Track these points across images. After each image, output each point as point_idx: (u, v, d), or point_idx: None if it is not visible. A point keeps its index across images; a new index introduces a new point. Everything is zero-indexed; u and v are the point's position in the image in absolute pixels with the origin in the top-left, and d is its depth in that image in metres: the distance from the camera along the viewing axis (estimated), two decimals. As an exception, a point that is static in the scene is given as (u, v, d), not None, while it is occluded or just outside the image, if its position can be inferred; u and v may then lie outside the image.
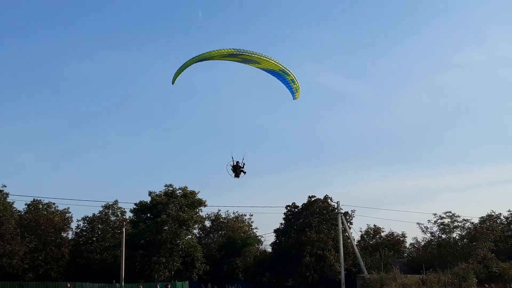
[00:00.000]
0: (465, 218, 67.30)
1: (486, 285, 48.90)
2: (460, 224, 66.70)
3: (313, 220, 68.20)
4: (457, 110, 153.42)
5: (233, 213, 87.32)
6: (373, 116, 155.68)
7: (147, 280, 62.27)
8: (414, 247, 76.72)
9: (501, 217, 75.33)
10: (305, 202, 70.48)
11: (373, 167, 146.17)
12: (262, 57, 28.59)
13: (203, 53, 27.79)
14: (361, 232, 76.50)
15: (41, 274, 66.07)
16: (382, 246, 71.17)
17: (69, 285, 57.36)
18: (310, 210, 69.20)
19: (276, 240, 71.62)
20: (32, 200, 71.00)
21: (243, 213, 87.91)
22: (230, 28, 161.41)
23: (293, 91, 31.77)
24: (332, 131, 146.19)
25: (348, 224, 66.78)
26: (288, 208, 71.32)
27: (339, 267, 60.86)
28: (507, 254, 64.56)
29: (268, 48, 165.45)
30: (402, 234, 76.86)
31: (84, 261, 69.57)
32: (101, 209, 73.03)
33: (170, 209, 66.82)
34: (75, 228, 73.56)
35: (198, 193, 69.65)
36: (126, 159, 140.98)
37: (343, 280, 58.72)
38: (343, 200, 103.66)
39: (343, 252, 60.30)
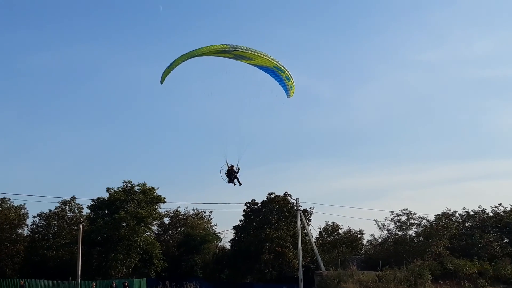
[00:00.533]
0: (421, 216, 68.37)
1: (441, 282, 49.66)
2: (416, 221, 67.69)
3: (272, 217, 68.32)
4: (416, 109, 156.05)
5: (193, 210, 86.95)
6: (333, 114, 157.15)
7: (104, 277, 61.54)
8: (371, 244, 77.62)
9: (456, 214, 76.96)
10: (265, 199, 70.58)
11: (333, 164, 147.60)
12: (256, 53, 27.84)
13: (194, 50, 26.68)
14: (320, 229, 77.05)
15: (-5, 271, 64.72)
16: (340, 243, 71.66)
17: (22, 282, 56.32)
18: (270, 207, 69.29)
19: (235, 237, 71.51)
20: (-15, 196, 69.64)
21: (202, 210, 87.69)
22: (188, 24, 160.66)
23: (287, 89, 30.88)
24: (292, 128, 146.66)
25: (307, 221, 67.02)
26: (248, 205, 71.23)
27: (298, 264, 61.10)
28: (462, 251, 65.69)
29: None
30: (360, 231, 77.83)
31: (39, 258, 68.25)
32: (58, 205, 72.07)
33: (129, 205, 66.24)
34: (31, 225, 72.47)
35: (157, 189, 69.35)
36: (83, 154, 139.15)
37: (301, 277, 58.94)
38: (302, 197, 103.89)
39: (302, 249, 60.51)
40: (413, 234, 68.03)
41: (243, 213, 71.36)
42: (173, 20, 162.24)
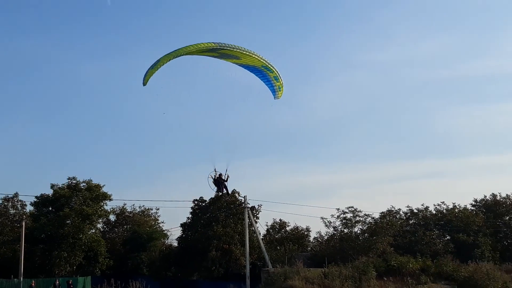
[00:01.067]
0: (367, 213, 69.27)
1: (385, 278, 50.18)
2: (361, 219, 68.35)
3: (220, 214, 68.21)
4: (363, 109, 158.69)
5: (139, 207, 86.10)
6: (281, 112, 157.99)
7: (48, 275, 60.48)
8: (317, 241, 78.22)
9: (401, 212, 78.53)
10: (213, 196, 70.29)
11: (281, 162, 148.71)
12: (244, 52, 26.83)
13: (180, 49, 25.45)
14: (267, 226, 77.28)
15: None
16: (287, 240, 72.03)
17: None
18: (218, 205, 69.06)
19: (182, 235, 70.92)
20: None
21: (149, 207, 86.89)
22: (136, 17, 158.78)
23: (275, 90, 29.42)
24: (240, 125, 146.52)
25: (255, 218, 67.05)
26: (196, 202, 70.76)
27: (245, 261, 61.21)
28: (405, 248, 66.93)
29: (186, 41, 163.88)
30: (306, 229, 78.24)
31: (-20, 256, 66.49)
32: (0, 202, 70.41)
33: (74, 202, 65.25)
34: (-29, 221, 70.27)
35: (103, 186, 68.64)
36: (27, 150, 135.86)
37: (248, 274, 59.01)
38: (250, 194, 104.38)
39: (249, 246, 60.60)
40: (358, 231, 68.80)
41: (191, 210, 70.94)
42: (121, 14, 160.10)
